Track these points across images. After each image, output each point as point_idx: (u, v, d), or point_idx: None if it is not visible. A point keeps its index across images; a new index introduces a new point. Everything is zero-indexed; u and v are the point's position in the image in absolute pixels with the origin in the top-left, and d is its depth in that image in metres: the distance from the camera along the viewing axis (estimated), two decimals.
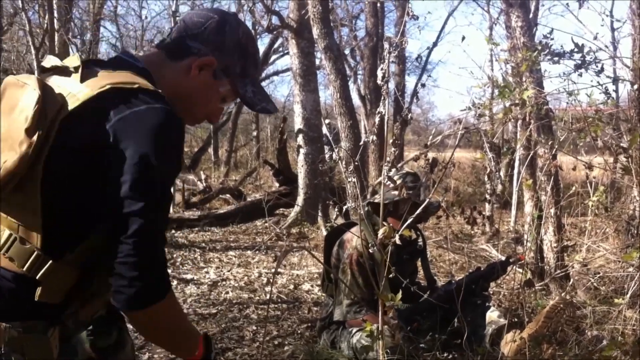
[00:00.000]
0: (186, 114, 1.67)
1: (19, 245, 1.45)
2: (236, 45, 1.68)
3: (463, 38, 3.45)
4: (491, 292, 4.42)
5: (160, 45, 1.70)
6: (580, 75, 3.22)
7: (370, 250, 2.74)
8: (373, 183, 6.24)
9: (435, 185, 2.39)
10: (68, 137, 1.41)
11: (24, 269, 1.44)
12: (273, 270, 6.16)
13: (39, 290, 1.45)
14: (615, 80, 3.94)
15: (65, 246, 1.47)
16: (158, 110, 1.43)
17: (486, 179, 9.14)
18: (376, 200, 3.59)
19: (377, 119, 2.12)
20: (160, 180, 1.41)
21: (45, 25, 10.39)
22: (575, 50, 3.15)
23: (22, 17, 11.68)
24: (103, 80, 1.44)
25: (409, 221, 2.32)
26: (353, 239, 3.58)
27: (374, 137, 2.20)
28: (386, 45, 2.37)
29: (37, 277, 1.45)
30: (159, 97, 1.47)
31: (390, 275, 2.31)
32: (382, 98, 2.22)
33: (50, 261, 1.45)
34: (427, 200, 2.53)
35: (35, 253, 1.45)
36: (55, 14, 10.15)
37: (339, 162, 2.79)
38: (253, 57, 1.73)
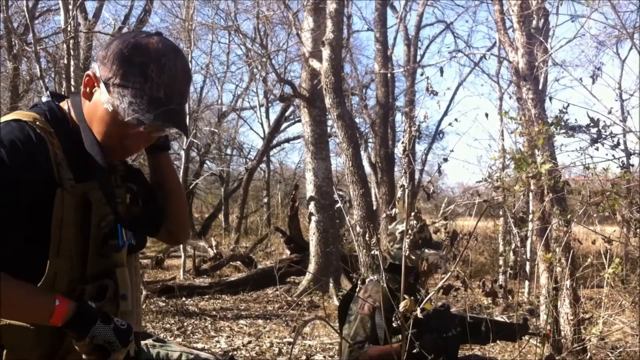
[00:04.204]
0: (107, 142, 1.56)
1: None
2: (117, 54, 1.49)
3: (486, 115, 3.50)
4: None
5: None
6: (597, 149, 3.25)
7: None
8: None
9: (457, 259, 2.40)
10: None
11: None
12: (285, 340, 6.08)
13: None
14: (630, 154, 3.98)
15: None
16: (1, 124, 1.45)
17: (512, 255, 9.12)
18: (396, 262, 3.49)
19: (398, 193, 2.14)
20: None
21: (63, 92, 10.59)
22: (591, 124, 3.20)
23: (39, 84, 11.93)
24: None
25: (431, 294, 2.31)
26: (367, 289, 3.42)
27: (397, 210, 2.22)
28: (405, 119, 2.42)
29: None
30: (17, 119, 1.48)
31: (414, 351, 2.28)
32: (404, 171, 2.25)
33: None
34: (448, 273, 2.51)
35: None
36: (72, 82, 10.37)
37: (351, 230, 2.79)
38: (139, 67, 1.48)
